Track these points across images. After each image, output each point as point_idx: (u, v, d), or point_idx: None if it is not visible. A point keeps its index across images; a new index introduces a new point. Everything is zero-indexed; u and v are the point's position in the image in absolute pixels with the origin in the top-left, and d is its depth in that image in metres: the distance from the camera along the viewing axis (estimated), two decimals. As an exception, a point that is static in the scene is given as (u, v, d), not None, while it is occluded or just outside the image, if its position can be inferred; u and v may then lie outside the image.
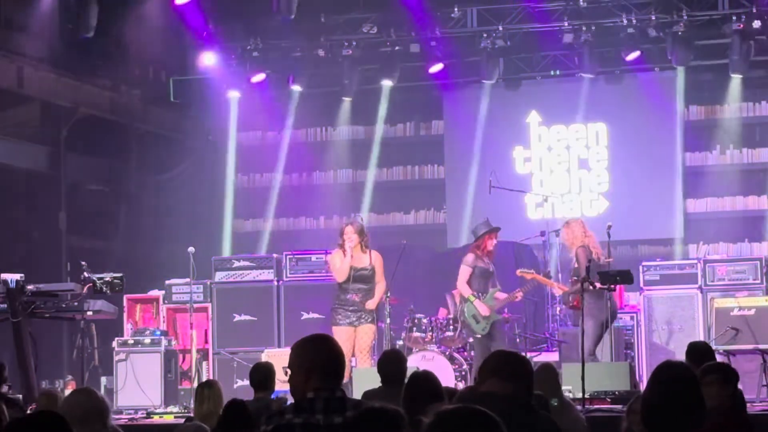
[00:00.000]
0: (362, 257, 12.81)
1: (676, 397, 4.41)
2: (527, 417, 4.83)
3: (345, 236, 12.82)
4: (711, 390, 6.64)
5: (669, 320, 14.27)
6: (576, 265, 12.58)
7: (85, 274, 12.58)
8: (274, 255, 15.34)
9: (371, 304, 12.68)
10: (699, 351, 8.53)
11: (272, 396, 8.76)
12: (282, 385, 7.17)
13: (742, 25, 15.54)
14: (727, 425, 6.41)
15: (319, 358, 5.15)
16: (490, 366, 5.07)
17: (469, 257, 13.19)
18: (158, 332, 14.12)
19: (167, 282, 15.43)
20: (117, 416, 12.47)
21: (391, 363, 8.28)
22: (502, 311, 13.32)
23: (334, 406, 4.93)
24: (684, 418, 4.37)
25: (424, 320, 13.61)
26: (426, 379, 6.77)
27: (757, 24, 15.54)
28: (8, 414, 6.95)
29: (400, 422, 4.24)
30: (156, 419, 12.61)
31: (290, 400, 5.33)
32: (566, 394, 11.63)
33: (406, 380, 6.88)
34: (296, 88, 17.64)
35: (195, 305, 14.23)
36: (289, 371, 5.20)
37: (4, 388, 9.61)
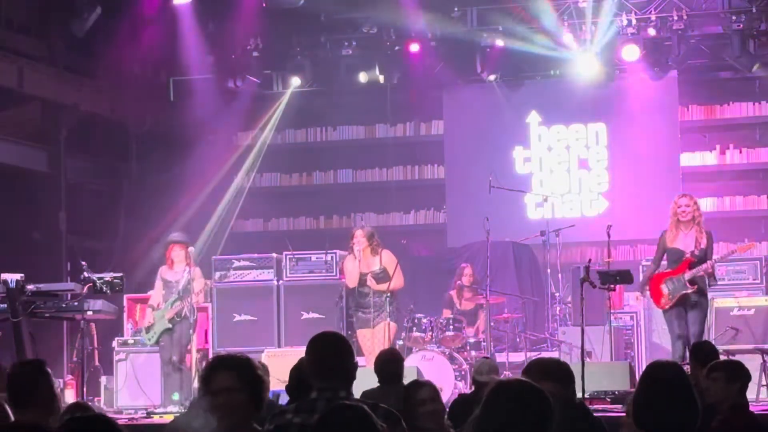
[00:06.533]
0: (373, 260, 13.00)
1: (664, 396, 4.42)
2: (582, 417, 4.93)
3: (354, 240, 12.97)
4: (717, 386, 6.71)
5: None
6: (703, 246, 12.06)
7: (85, 274, 12.58)
8: (274, 255, 15.33)
9: (384, 287, 12.91)
10: (703, 351, 8.57)
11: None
12: (280, 384, 7.15)
13: (741, 25, 15.55)
14: (734, 421, 6.43)
15: (310, 357, 5.13)
16: (542, 368, 5.25)
17: None
18: (158, 332, 14.11)
19: (167, 282, 15.40)
20: (117, 416, 12.49)
21: (387, 363, 8.29)
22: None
23: None
24: (675, 416, 4.39)
25: (424, 320, 13.61)
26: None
27: (756, 24, 15.55)
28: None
29: (368, 419, 4.15)
30: (156, 419, 12.60)
31: (281, 400, 5.32)
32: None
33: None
34: (296, 87, 17.66)
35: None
36: None
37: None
